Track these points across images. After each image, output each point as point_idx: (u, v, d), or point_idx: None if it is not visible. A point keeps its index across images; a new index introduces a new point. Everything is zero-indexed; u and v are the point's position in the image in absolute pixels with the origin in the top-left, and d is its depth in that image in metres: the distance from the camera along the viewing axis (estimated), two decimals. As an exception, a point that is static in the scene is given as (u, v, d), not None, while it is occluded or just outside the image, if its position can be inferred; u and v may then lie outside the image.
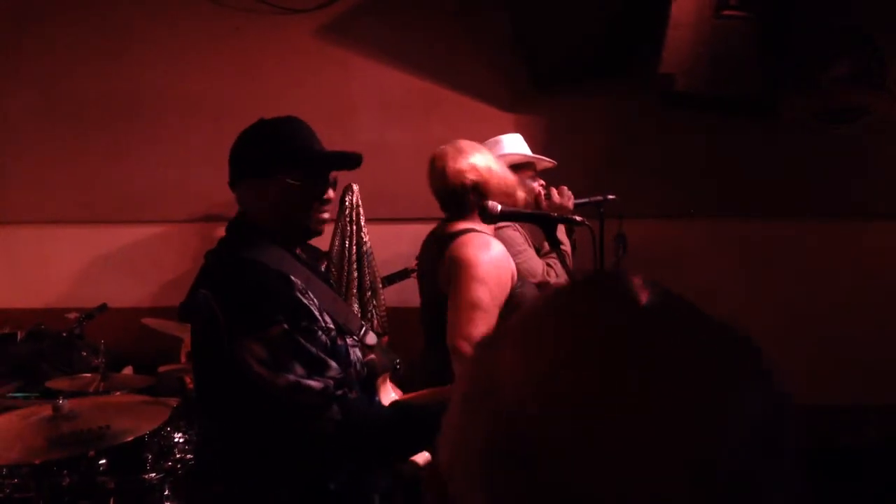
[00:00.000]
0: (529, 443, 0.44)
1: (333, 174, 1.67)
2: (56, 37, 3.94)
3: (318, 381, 1.47)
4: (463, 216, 2.17)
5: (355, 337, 1.72)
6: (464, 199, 2.15)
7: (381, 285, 3.54)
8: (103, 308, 3.44)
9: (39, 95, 3.98)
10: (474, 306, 1.98)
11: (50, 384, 2.91)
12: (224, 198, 1.79)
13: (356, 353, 1.69)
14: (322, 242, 3.01)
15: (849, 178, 3.73)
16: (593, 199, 2.79)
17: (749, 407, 0.45)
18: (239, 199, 1.68)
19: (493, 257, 2.05)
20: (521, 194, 2.26)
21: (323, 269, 2.46)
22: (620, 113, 3.77)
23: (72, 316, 3.41)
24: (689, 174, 3.77)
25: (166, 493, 2.45)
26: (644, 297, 0.49)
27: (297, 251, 1.71)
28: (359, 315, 3.17)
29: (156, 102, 3.93)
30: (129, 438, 2.15)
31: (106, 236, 4.03)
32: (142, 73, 3.92)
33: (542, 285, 2.51)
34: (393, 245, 3.67)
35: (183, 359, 3.41)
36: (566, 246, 2.63)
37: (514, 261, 2.19)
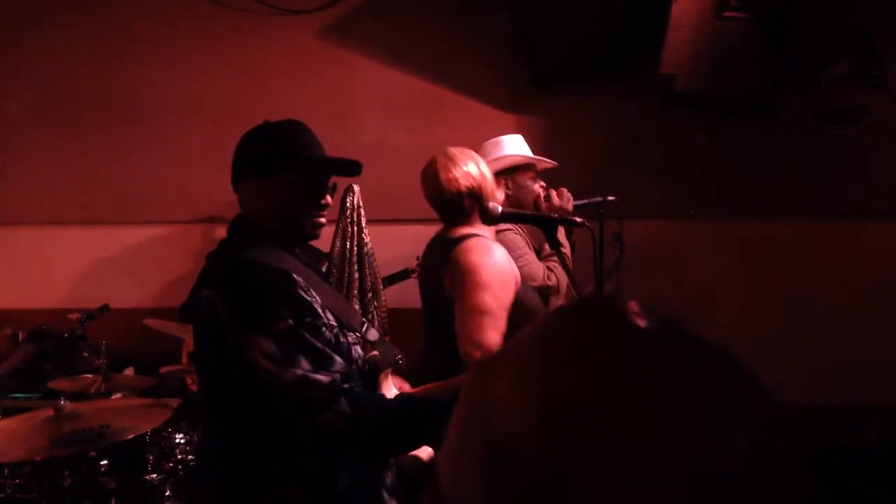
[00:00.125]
0: (528, 468, 0.45)
1: (332, 180, 1.68)
2: (56, 37, 3.95)
3: (325, 374, 1.48)
4: (462, 222, 2.19)
5: (357, 333, 1.73)
6: (461, 206, 2.17)
7: (381, 286, 3.54)
8: (105, 309, 3.45)
9: (39, 95, 3.99)
10: (481, 312, 2.00)
11: (52, 385, 2.92)
12: (225, 198, 1.80)
13: (358, 350, 1.70)
14: (323, 243, 3.01)
15: (849, 177, 3.73)
16: (593, 200, 2.81)
17: (746, 425, 0.46)
18: (240, 198, 1.69)
19: (495, 262, 2.07)
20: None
21: (324, 270, 2.46)
22: (620, 113, 3.77)
23: (73, 317, 3.42)
24: (688, 174, 3.77)
25: (167, 493, 2.46)
26: (642, 323, 0.49)
27: (297, 251, 1.72)
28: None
29: (156, 102, 3.94)
30: (130, 436, 2.16)
31: (106, 237, 4.04)
32: (142, 73, 3.93)
33: (542, 290, 2.53)
34: (394, 246, 3.67)
35: (185, 360, 3.41)
36: (566, 248, 2.64)
37: (516, 264, 2.21)
